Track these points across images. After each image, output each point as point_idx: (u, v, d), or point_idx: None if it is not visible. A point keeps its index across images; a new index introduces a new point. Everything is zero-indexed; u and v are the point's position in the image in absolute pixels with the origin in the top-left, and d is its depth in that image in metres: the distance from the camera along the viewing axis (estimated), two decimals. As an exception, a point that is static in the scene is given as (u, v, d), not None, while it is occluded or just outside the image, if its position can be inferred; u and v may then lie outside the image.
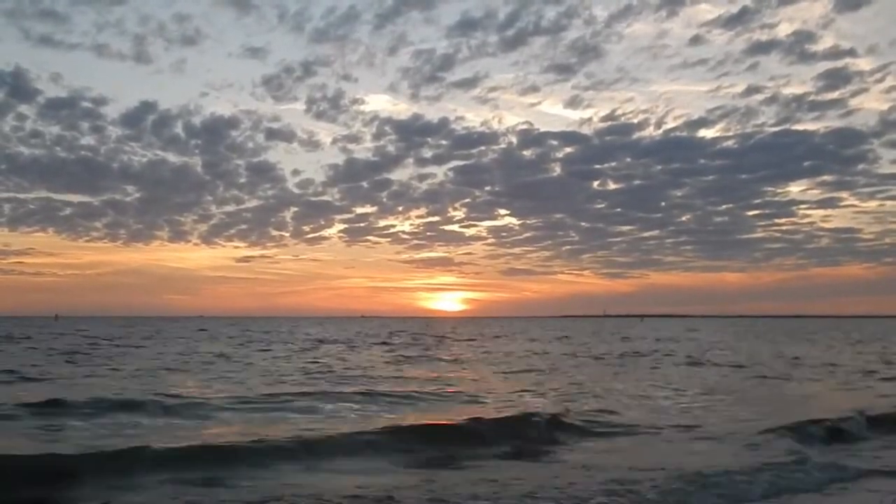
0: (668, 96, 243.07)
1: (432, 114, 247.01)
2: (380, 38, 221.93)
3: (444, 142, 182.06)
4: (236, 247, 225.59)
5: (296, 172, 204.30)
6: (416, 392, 14.95)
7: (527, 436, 10.14)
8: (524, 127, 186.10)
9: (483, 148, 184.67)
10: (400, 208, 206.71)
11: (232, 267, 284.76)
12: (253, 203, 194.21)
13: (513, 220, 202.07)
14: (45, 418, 11.01)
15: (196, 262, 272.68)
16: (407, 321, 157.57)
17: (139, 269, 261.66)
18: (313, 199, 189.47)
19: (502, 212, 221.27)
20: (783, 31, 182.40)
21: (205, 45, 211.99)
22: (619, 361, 25.93)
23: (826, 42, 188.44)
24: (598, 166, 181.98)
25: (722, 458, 8.54)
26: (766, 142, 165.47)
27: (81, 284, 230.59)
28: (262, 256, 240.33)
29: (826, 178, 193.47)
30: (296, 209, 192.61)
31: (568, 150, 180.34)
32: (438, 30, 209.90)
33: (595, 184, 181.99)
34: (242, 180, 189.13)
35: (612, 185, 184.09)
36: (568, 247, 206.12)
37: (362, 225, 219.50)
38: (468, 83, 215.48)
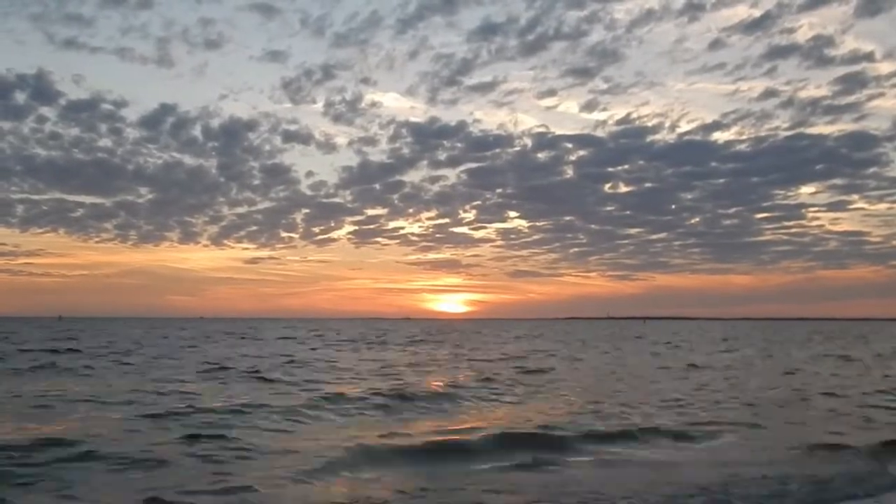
0: (685, 100, 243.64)
1: (449, 117, 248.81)
2: (401, 43, 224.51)
3: (459, 144, 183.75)
4: (245, 248, 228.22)
5: (310, 174, 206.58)
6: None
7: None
8: (540, 130, 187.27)
9: (498, 150, 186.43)
10: (410, 210, 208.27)
11: (237, 268, 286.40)
12: (265, 205, 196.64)
13: (522, 223, 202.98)
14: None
15: (201, 264, 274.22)
16: (420, 323, 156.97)
17: (144, 270, 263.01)
18: (325, 200, 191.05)
19: (512, 214, 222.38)
20: (803, 35, 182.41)
21: (227, 49, 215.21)
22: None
23: (845, 46, 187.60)
24: (610, 169, 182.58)
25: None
26: (779, 145, 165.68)
27: (87, 286, 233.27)
28: (271, 258, 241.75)
29: (837, 181, 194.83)
30: (307, 211, 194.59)
31: (581, 152, 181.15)
32: (460, 34, 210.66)
33: (606, 186, 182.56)
34: (256, 182, 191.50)
35: (623, 188, 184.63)
36: (575, 249, 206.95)
37: (372, 227, 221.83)
38: (486, 87, 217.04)
